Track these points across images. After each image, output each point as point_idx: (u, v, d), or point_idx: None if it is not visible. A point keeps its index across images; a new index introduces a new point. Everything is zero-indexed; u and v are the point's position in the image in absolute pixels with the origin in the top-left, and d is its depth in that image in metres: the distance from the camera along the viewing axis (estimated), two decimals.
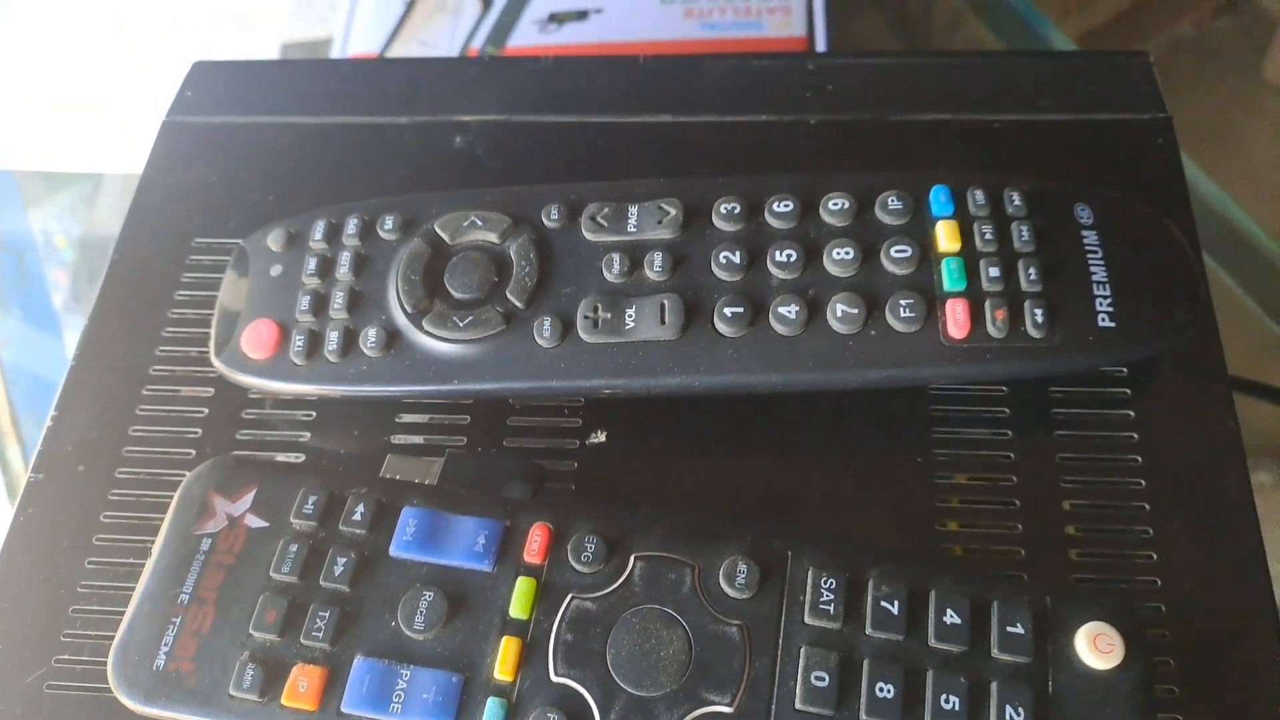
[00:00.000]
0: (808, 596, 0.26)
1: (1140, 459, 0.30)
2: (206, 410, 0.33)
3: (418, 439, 0.32)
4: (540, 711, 0.25)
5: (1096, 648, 0.25)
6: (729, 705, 0.25)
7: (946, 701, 0.24)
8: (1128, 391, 0.31)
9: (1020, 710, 0.24)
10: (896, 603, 0.25)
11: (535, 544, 0.26)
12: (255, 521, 0.27)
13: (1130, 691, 0.24)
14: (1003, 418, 0.31)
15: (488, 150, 0.37)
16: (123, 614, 0.26)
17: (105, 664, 0.26)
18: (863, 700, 0.24)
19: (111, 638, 0.26)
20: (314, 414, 0.32)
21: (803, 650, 0.25)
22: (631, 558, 0.26)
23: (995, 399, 0.31)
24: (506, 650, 0.25)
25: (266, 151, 0.38)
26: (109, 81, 0.56)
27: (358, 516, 0.27)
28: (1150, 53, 0.36)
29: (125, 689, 0.26)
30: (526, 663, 0.25)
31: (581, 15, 0.56)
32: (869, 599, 0.25)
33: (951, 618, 0.25)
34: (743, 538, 0.27)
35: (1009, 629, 0.25)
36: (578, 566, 0.26)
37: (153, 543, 0.27)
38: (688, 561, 0.26)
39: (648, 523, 0.27)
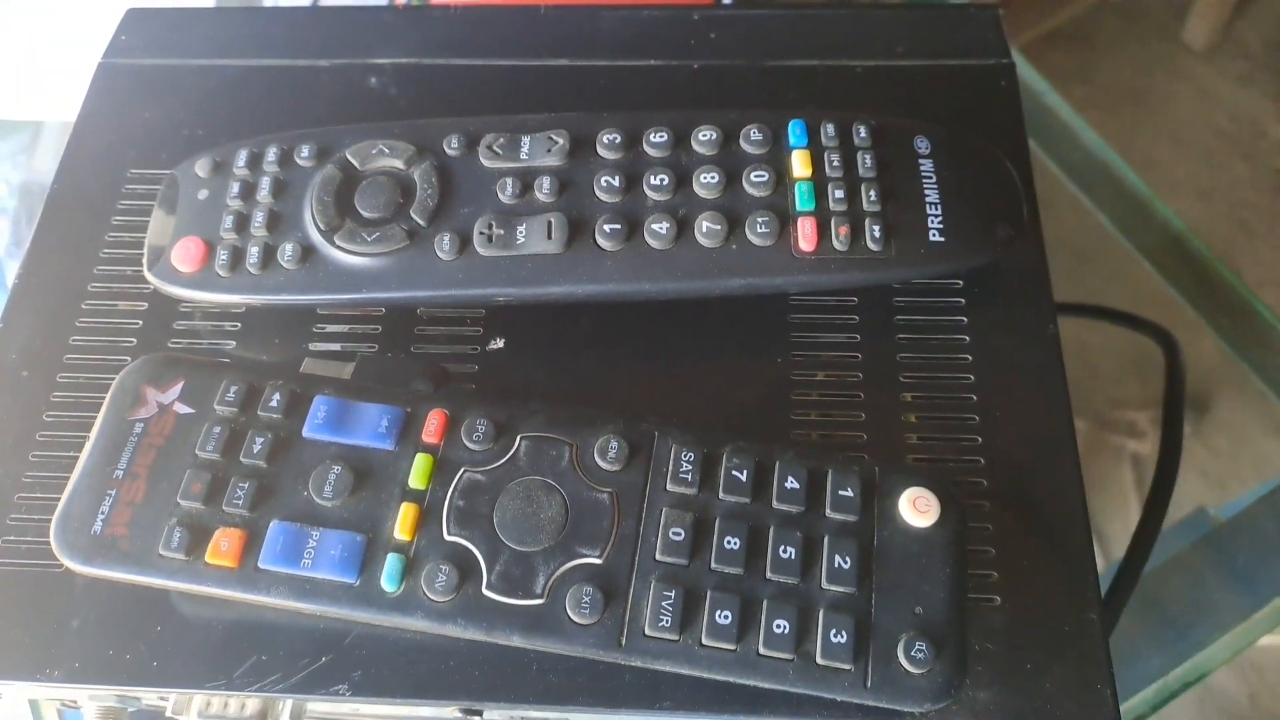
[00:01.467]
0: (670, 468, 0.30)
1: (970, 357, 0.34)
2: (141, 322, 0.36)
3: (334, 346, 0.35)
4: (434, 564, 0.28)
5: (916, 508, 0.29)
6: (598, 557, 0.29)
7: (784, 552, 0.28)
8: (961, 301, 0.35)
9: (847, 559, 0.28)
10: (745, 472, 0.29)
11: (433, 426, 0.30)
12: (183, 409, 0.31)
13: (945, 545, 0.29)
14: (852, 324, 0.35)
15: (400, 90, 0.40)
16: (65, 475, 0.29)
17: (48, 538, 0.29)
18: (713, 551, 0.28)
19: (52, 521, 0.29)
20: (239, 325, 0.36)
21: (663, 512, 0.29)
22: (518, 438, 0.30)
23: (846, 308, 0.35)
24: (405, 514, 0.29)
25: (195, 92, 0.41)
26: (45, 30, 0.58)
27: (274, 403, 0.30)
28: (998, 6, 0.41)
29: (66, 552, 0.29)
30: (423, 525, 0.29)
31: None
32: (722, 469, 0.30)
33: (791, 483, 0.29)
34: (615, 420, 0.30)
35: (840, 492, 0.29)
36: (470, 445, 0.30)
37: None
38: (567, 440, 0.30)
39: (533, 410, 0.31)
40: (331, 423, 0.30)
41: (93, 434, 0.30)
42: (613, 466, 0.30)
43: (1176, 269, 0.64)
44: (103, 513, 0.29)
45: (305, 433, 0.30)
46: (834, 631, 0.28)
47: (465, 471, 0.30)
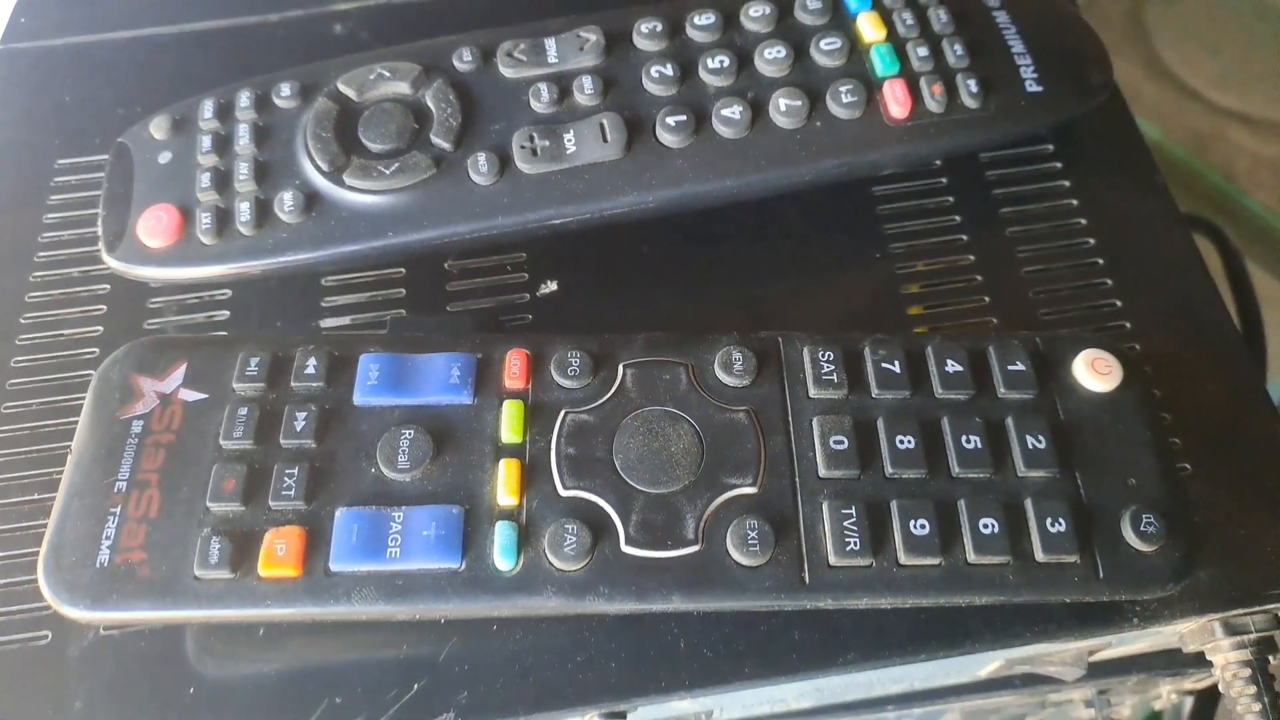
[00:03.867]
0: (808, 372, 0.25)
1: (1085, 220, 0.30)
2: (101, 329, 0.29)
3: (347, 320, 0.29)
4: (556, 526, 0.22)
5: (1096, 370, 0.25)
6: (752, 485, 0.23)
7: (968, 442, 0.24)
8: (1058, 165, 0.31)
9: (1040, 438, 0.24)
10: (897, 363, 0.25)
11: (515, 368, 0.24)
12: (191, 395, 0.24)
13: (1137, 406, 0.24)
14: (948, 205, 0.31)
15: (373, 34, 0.34)
16: (29, 514, 0.23)
17: (20, 603, 0.22)
18: (885, 455, 0.23)
19: (22, 551, 0.22)
20: (227, 311, 0.29)
21: (815, 421, 0.24)
22: (620, 367, 0.25)
23: (937, 191, 0.31)
24: (508, 473, 0.23)
25: (122, 67, 0.34)
26: None
27: (310, 370, 0.24)
28: None
29: (66, 596, 0.22)
30: (530, 483, 0.23)
31: None
32: (869, 365, 0.25)
33: (953, 366, 0.25)
34: (730, 333, 0.25)
35: (1010, 367, 0.25)
36: (565, 383, 0.24)
37: (60, 449, 0.24)
38: (679, 360, 0.25)
39: (628, 337, 0.25)
40: (388, 382, 0.24)
41: (76, 443, 0.24)
42: (741, 380, 0.24)
43: None
44: (107, 537, 0.22)
45: (357, 399, 0.24)
46: (1049, 520, 0.23)
47: (567, 413, 0.24)
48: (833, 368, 0.25)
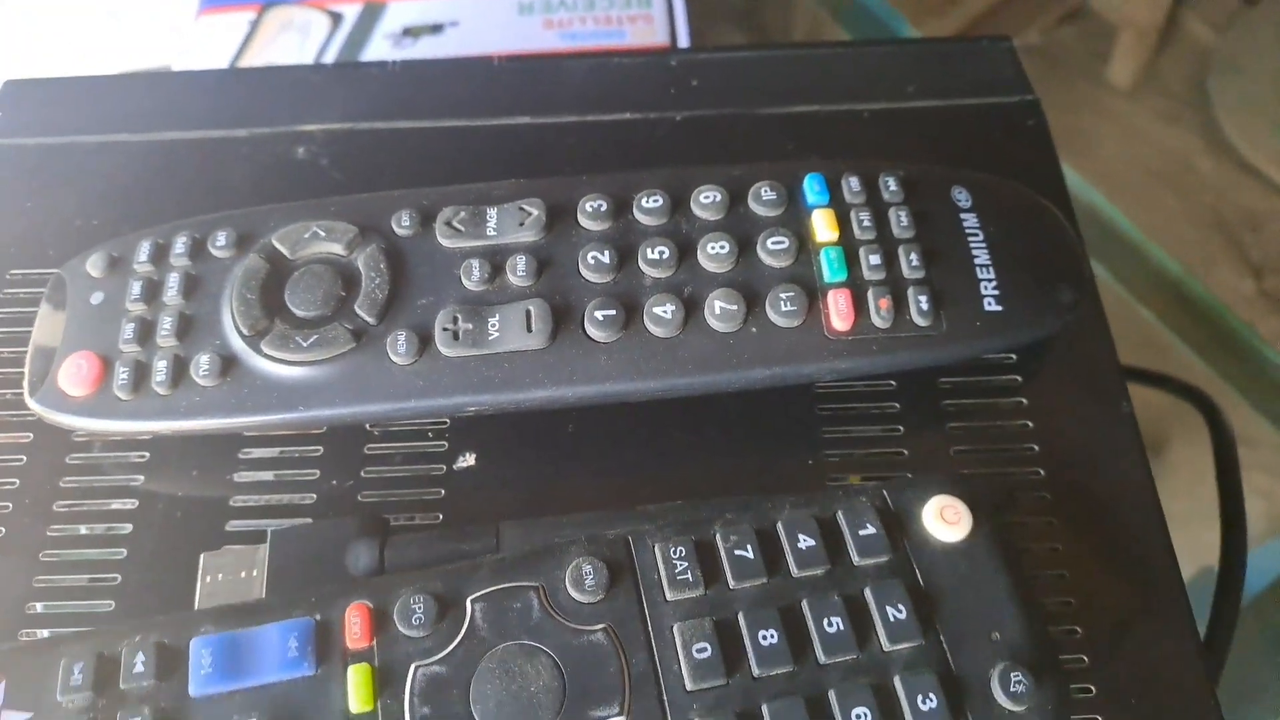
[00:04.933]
0: (662, 573, 0.24)
1: (1036, 447, 0.29)
2: (25, 458, 0.29)
3: (266, 475, 0.29)
4: None
5: (945, 520, 0.24)
6: (620, 715, 0.22)
7: (829, 625, 0.23)
8: (1018, 379, 0.30)
9: (901, 607, 0.23)
10: (749, 547, 0.24)
11: (356, 627, 0.23)
12: (15, 717, 0.22)
13: (989, 552, 0.24)
14: (893, 413, 0.29)
15: (333, 160, 0.34)
16: None
17: None
18: (750, 656, 0.23)
19: None
20: (147, 454, 0.29)
21: (675, 629, 0.23)
22: (468, 603, 0.23)
23: (884, 394, 0.29)
24: None
25: (88, 174, 0.34)
26: None
27: (139, 668, 0.22)
28: (1011, 38, 0.36)
29: None
30: None
31: (437, 29, 0.54)
32: (722, 554, 0.24)
33: (805, 541, 0.24)
34: (579, 539, 0.24)
35: (861, 533, 0.24)
36: (411, 633, 0.23)
37: None
38: (529, 584, 0.24)
39: (474, 564, 0.24)
40: (224, 668, 0.23)
41: None
42: (595, 596, 0.23)
43: (1166, 306, 0.61)
44: None
45: (194, 691, 0.22)
46: (920, 698, 0.22)
47: (418, 668, 0.23)
48: (686, 564, 0.24)
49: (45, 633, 0.26)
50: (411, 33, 0.54)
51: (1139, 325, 0.58)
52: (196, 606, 0.25)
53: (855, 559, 0.24)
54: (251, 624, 0.23)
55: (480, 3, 0.56)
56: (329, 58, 0.52)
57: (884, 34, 0.70)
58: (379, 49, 0.53)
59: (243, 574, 0.26)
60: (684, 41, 0.54)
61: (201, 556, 0.26)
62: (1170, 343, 0.58)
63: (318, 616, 0.23)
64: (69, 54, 0.58)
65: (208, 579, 0.26)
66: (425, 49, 0.53)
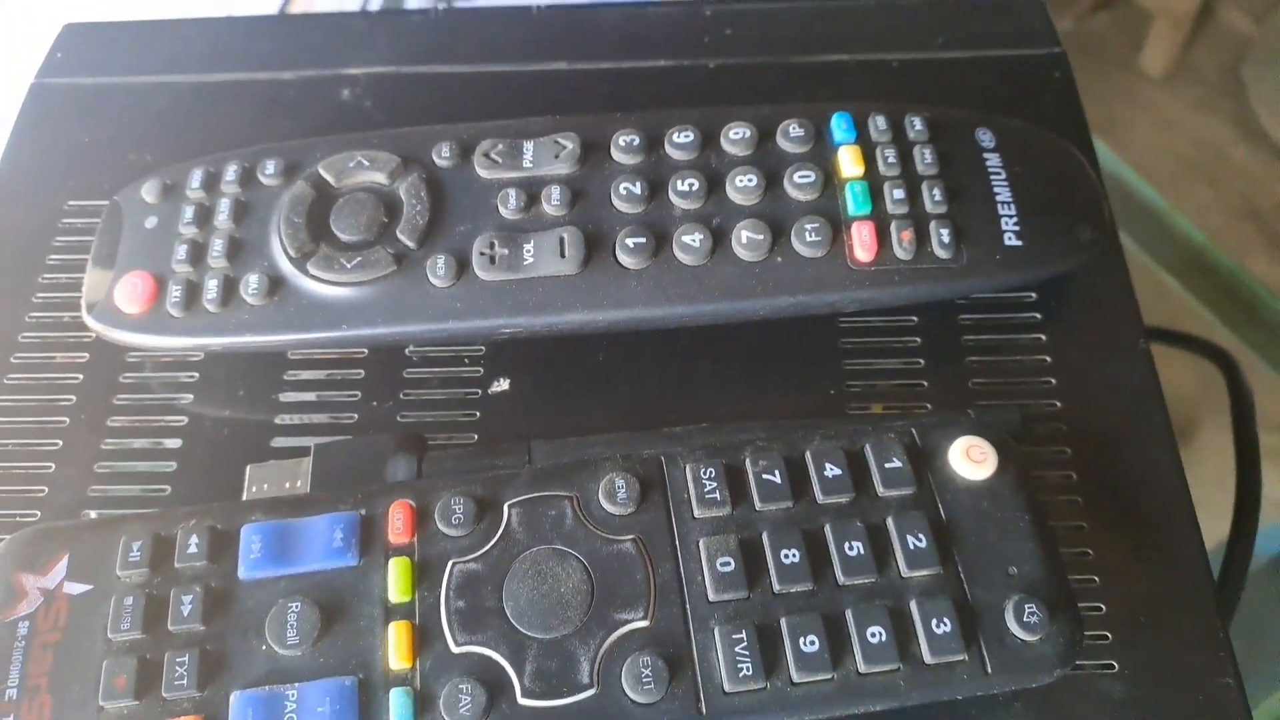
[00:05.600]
0: (692, 492, 0.25)
1: (1054, 380, 0.29)
2: (80, 376, 0.30)
3: (309, 395, 0.30)
4: (452, 686, 0.23)
5: (970, 459, 0.25)
6: (644, 619, 0.23)
7: (850, 549, 0.24)
8: (1038, 316, 0.30)
9: (921, 536, 0.24)
10: (777, 472, 0.25)
11: (399, 523, 0.24)
12: (76, 588, 0.24)
13: (1014, 491, 0.25)
14: (914, 346, 0.30)
15: (377, 103, 0.35)
16: None
17: None
18: (772, 572, 0.24)
19: None
20: (196, 375, 0.30)
21: (701, 543, 0.24)
22: (505, 507, 0.25)
23: (905, 329, 0.30)
24: (397, 636, 0.23)
25: (141, 112, 0.36)
26: None
27: (193, 549, 0.24)
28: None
29: None
30: (423, 644, 0.23)
31: None
32: (750, 478, 0.25)
33: (831, 470, 0.25)
34: (613, 456, 0.26)
35: (887, 465, 0.25)
36: (450, 532, 0.24)
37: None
38: (564, 494, 0.25)
39: (513, 474, 0.25)
40: (272, 554, 0.24)
41: None
42: (626, 510, 0.25)
43: (1196, 280, 0.61)
44: None
45: (242, 574, 0.24)
46: (935, 622, 0.23)
47: (455, 564, 0.24)
48: (715, 485, 0.25)
49: None
50: None
51: (1164, 295, 0.59)
52: None
53: (880, 490, 0.25)
54: (299, 515, 0.24)
55: None
56: (375, 4, 0.54)
57: None
58: None
59: (286, 485, 0.27)
60: None
61: (248, 468, 0.27)
62: (1197, 312, 0.58)
63: (363, 511, 0.25)
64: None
65: (253, 489, 0.27)
66: None
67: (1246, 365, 0.58)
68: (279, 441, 0.29)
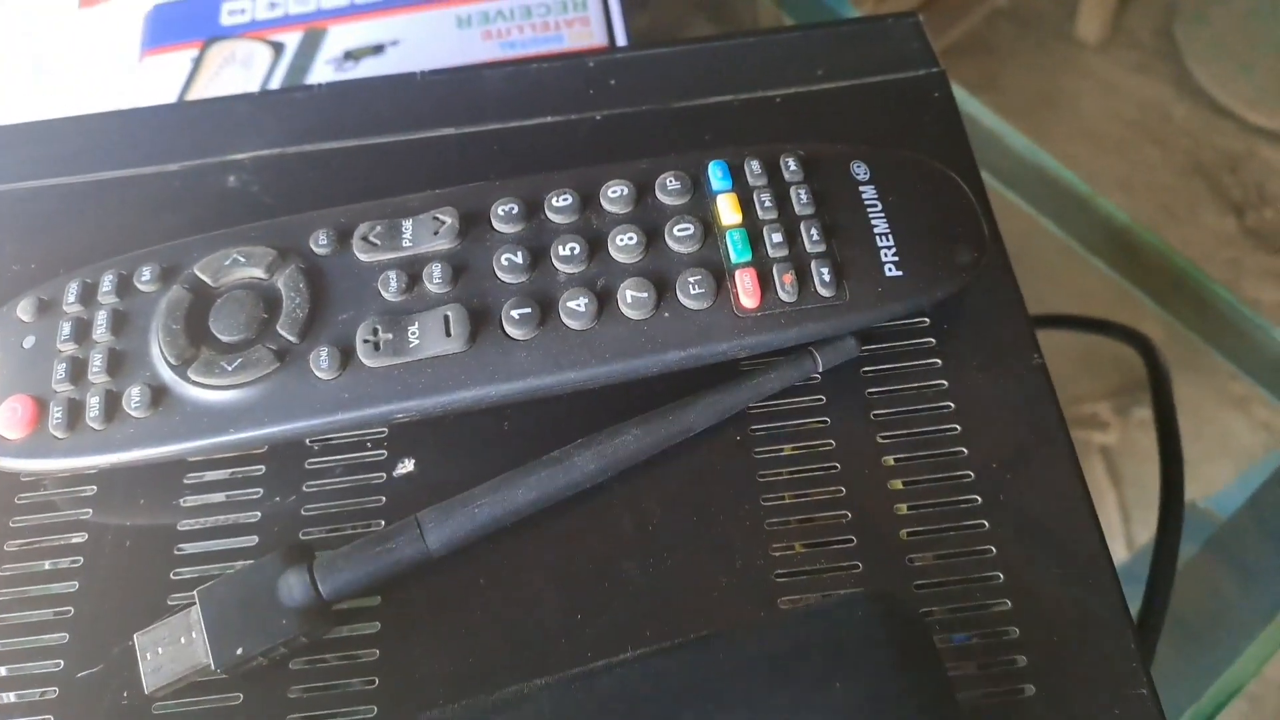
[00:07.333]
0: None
1: (952, 404, 0.29)
2: None
3: (216, 496, 0.30)
4: None
5: None
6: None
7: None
8: (932, 341, 0.30)
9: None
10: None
11: None
12: None
13: None
14: (814, 384, 0.30)
15: (264, 186, 0.35)
16: None
17: None
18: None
19: None
20: (94, 488, 0.30)
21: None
22: None
23: None
24: None
25: (16, 219, 0.35)
26: None
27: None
28: (920, 14, 0.37)
29: None
30: None
31: (378, 49, 0.55)
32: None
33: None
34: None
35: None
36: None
37: None
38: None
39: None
40: None
41: None
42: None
43: (1122, 261, 0.62)
44: None
45: None
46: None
47: None
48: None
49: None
50: (353, 55, 0.55)
51: (1095, 279, 0.59)
52: (146, 688, 0.26)
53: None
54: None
55: (419, 20, 0.57)
56: (273, 88, 0.53)
57: (829, 14, 0.71)
58: (322, 74, 0.54)
59: (182, 640, 0.26)
60: (622, 40, 0.54)
61: (135, 637, 0.26)
62: (1130, 294, 0.59)
63: None
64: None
65: (148, 656, 0.26)
66: (367, 70, 0.54)
67: (1182, 341, 0.59)
68: (184, 547, 0.29)
